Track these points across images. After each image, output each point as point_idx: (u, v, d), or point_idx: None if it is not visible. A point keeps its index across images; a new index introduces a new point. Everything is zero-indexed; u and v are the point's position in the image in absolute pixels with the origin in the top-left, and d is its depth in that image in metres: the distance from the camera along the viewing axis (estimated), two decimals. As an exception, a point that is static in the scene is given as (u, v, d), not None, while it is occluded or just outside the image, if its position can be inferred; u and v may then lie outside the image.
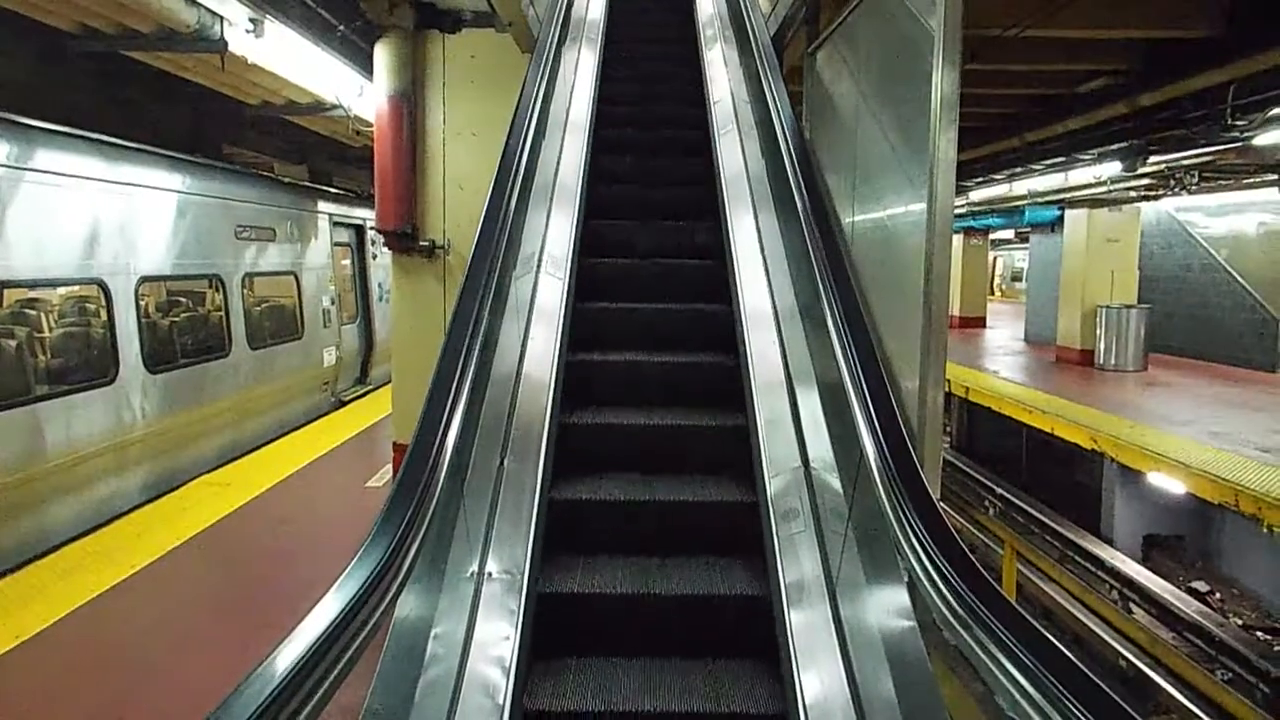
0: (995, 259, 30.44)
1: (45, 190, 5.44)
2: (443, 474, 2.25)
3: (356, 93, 7.66)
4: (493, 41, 5.68)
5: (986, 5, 5.29)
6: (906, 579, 2.24)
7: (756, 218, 4.41)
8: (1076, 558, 9.66)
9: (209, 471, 6.78)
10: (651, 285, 4.40)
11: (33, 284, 5.61)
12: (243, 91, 8.02)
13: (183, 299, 7.34)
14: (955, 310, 18.29)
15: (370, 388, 11.16)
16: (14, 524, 5.13)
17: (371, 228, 10.60)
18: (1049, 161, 10.39)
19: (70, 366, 5.84)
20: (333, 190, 11.09)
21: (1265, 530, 6.11)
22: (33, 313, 5.74)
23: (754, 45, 5.07)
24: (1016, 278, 31.97)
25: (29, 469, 5.23)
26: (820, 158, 4.10)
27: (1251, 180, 11.12)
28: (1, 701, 3.47)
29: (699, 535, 3.12)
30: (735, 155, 5.00)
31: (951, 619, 1.81)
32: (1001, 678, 1.60)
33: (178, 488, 6.30)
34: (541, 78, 4.65)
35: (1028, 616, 1.69)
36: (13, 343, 5.35)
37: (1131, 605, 8.54)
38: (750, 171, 4.79)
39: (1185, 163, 9.20)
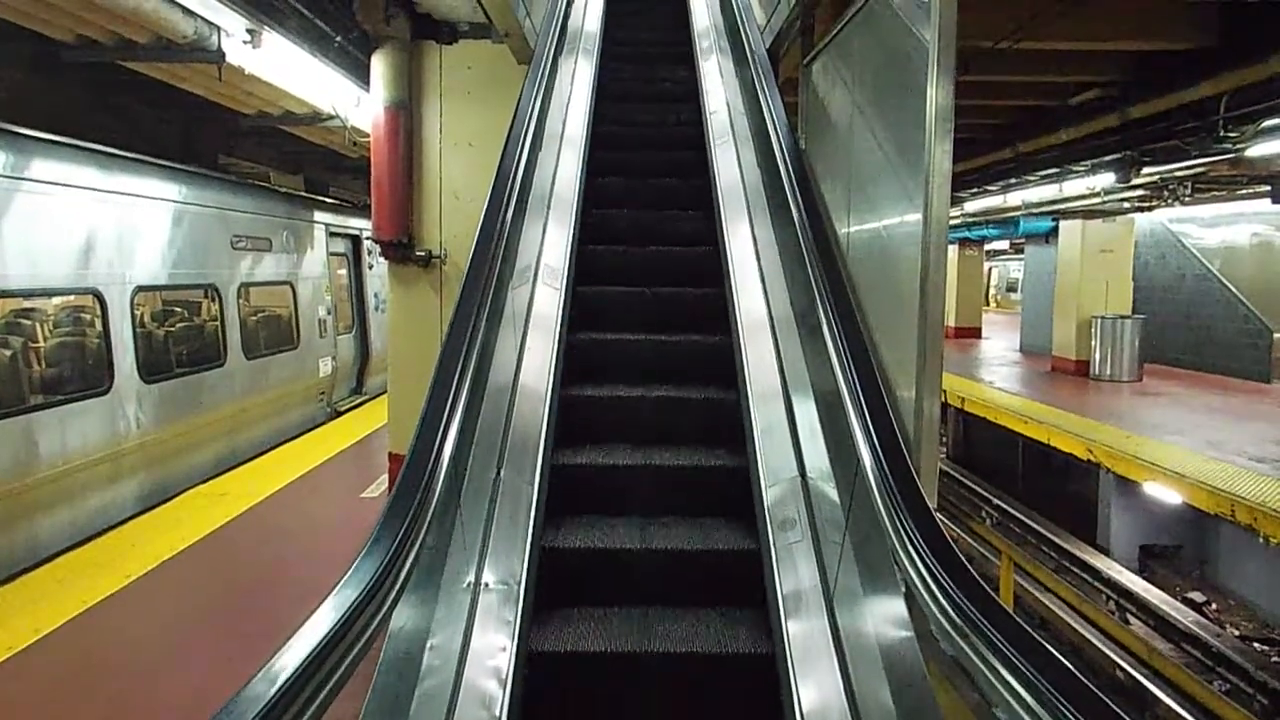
0: (990, 269, 30.54)
1: (40, 200, 5.43)
2: (439, 484, 2.25)
3: (353, 103, 7.66)
4: (489, 53, 5.70)
5: (980, 17, 5.32)
6: (904, 589, 2.23)
7: (752, 227, 4.42)
8: (1073, 568, 9.65)
9: (204, 482, 6.74)
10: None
11: (28, 294, 5.60)
12: (239, 101, 8.03)
13: (178, 309, 7.32)
14: (951, 321, 18.34)
15: (366, 398, 11.13)
16: (8, 534, 5.10)
17: (368, 238, 10.65)
18: (1043, 173, 10.45)
19: (65, 376, 5.82)
20: (329, 200, 11.10)
21: (1261, 540, 6.12)
22: (27, 322, 5.72)
23: (749, 57, 5.10)
24: (1011, 288, 32.07)
25: (24, 479, 5.21)
26: (816, 169, 4.12)
27: (1244, 191, 11.21)
28: (-7, 714, 3.45)
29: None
30: (731, 164, 5.02)
31: (949, 629, 1.80)
32: (999, 687, 1.60)
33: (173, 498, 6.27)
34: (538, 89, 4.66)
35: (1026, 626, 1.69)
36: (7, 352, 5.33)
37: (1128, 616, 8.54)
38: (746, 181, 4.81)
39: (1178, 174, 9.28)
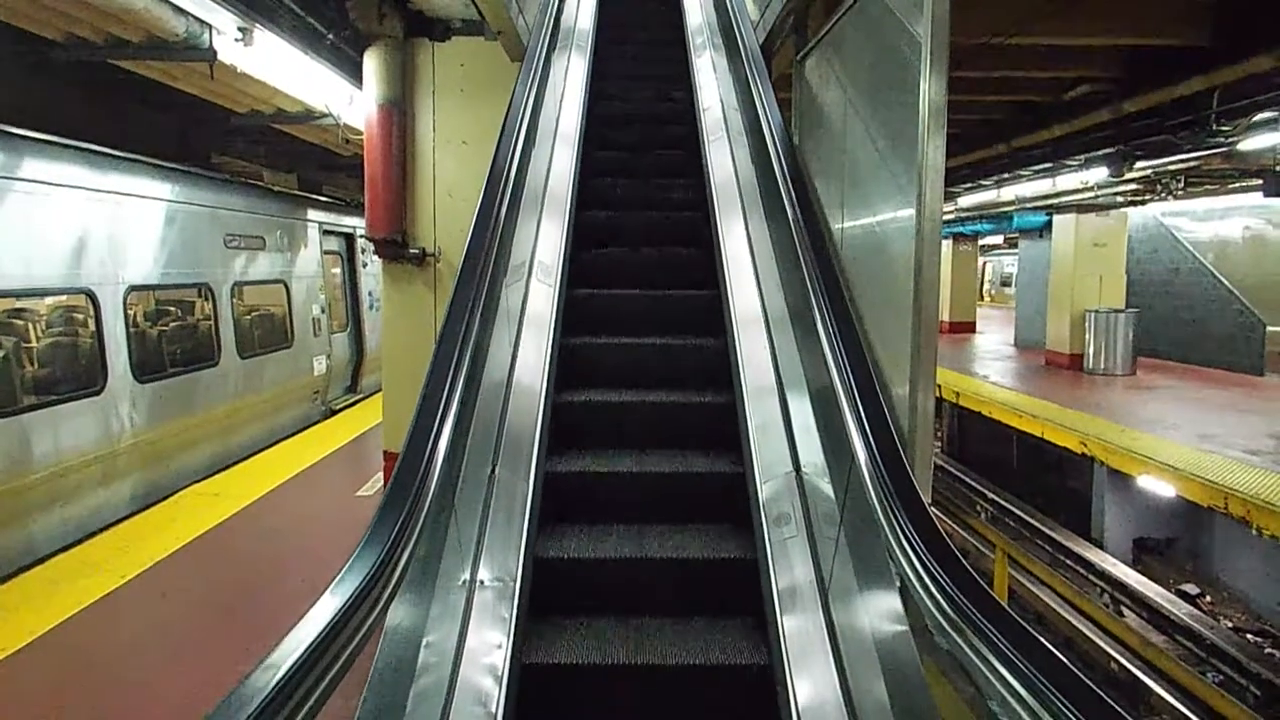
0: (984, 264, 30.63)
1: (32, 200, 5.41)
2: (434, 481, 2.24)
3: (346, 101, 7.64)
4: (482, 50, 5.69)
5: (974, 13, 5.33)
6: (898, 583, 2.24)
7: (746, 223, 4.43)
8: (1068, 561, 9.69)
9: (198, 481, 6.73)
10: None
11: (19, 294, 5.57)
12: (231, 100, 8.00)
13: (172, 308, 7.30)
14: (945, 316, 18.38)
15: (361, 396, 11.12)
16: (2, 535, 5.08)
17: (362, 236, 10.63)
18: (1036, 167, 10.47)
19: (58, 376, 5.80)
20: (322, 199, 11.07)
21: (1255, 533, 6.14)
22: (20, 323, 5.69)
23: (743, 53, 5.10)
24: (1006, 283, 32.11)
25: (17, 480, 5.19)
26: (810, 164, 4.12)
27: (1236, 185, 11.25)
28: (-12, 715, 3.44)
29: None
30: (725, 160, 5.02)
31: (944, 623, 1.81)
32: (994, 681, 1.61)
33: (167, 498, 6.25)
34: (531, 86, 4.65)
35: (1020, 620, 1.69)
36: (0, 353, 5.31)
37: (1122, 608, 8.58)
38: (740, 177, 4.82)
39: (1171, 168, 9.31)
